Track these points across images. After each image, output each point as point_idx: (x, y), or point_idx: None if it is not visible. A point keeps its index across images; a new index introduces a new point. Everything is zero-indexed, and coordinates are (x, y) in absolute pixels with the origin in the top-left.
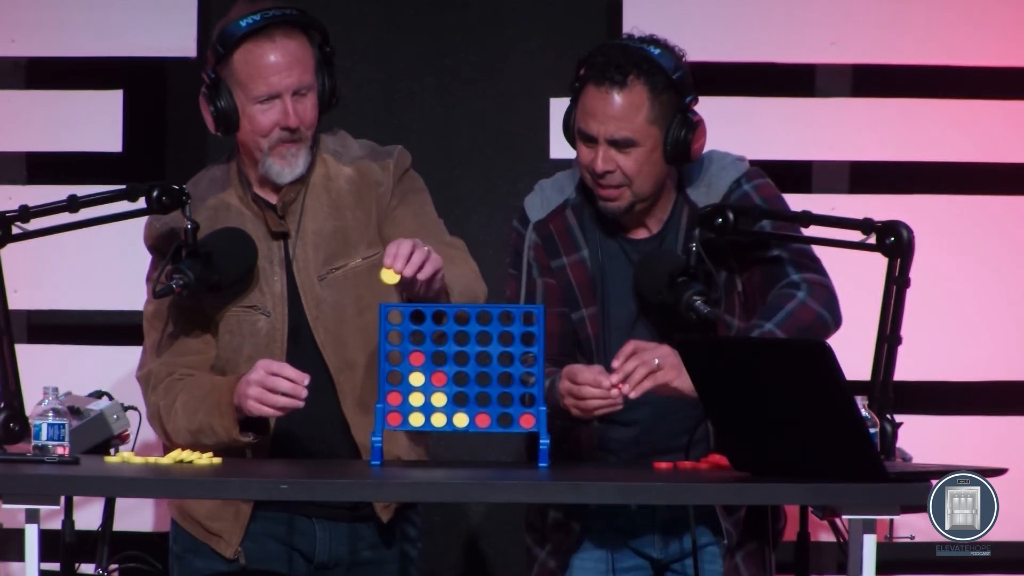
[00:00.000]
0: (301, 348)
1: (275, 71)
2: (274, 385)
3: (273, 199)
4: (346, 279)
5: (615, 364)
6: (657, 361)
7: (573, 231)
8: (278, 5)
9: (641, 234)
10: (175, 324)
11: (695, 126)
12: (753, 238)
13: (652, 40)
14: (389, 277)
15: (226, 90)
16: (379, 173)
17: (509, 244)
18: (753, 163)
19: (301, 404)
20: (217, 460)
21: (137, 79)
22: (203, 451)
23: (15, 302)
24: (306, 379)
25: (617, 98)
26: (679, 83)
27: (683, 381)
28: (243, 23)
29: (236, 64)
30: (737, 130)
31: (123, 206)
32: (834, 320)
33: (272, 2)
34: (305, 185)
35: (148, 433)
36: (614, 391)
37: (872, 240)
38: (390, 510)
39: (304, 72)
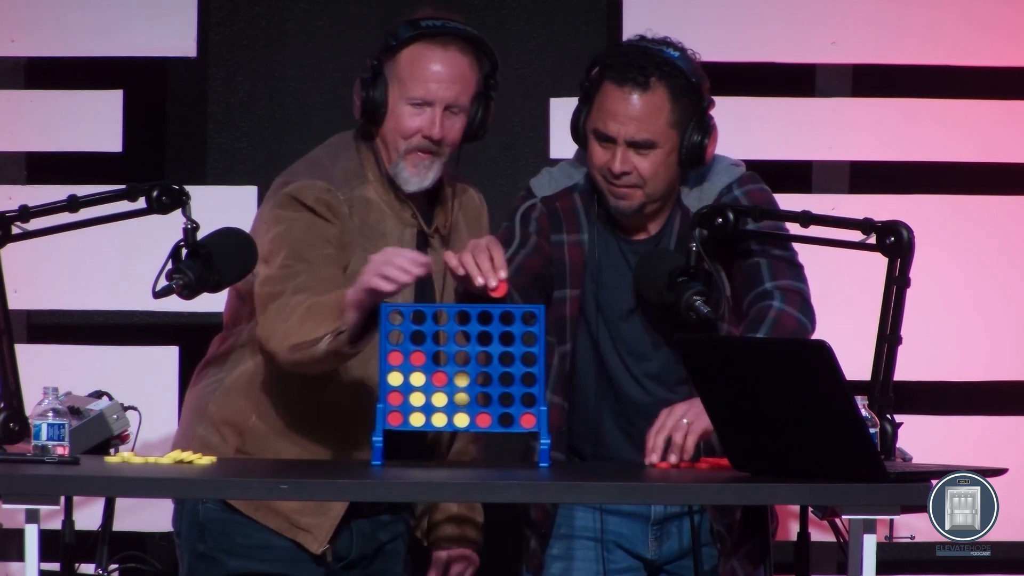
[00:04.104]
0: None
1: (437, 79)
2: (391, 259)
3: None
4: None
5: (651, 446)
6: (686, 420)
7: (578, 213)
8: (462, 21)
9: (640, 236)
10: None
11: (710, 131)
12: (741, 239)
13: (668, 42)
14: None
15: (383, 82)
16: (478, 203)
17: (511, 207)
18: (753, 163)
19: (409, 278)
20: (215, 458)
21: (137, 79)
22: (305, 357)
23: (15, 302)
24: (422, 259)
25: (639, 100)
26: (698, 87)
27: (707, 420)
28: (423, 23)
29: (402, 60)
30: (737, 130)
31: (123, 206)
32: (811, 324)
33: (458, 18)
34: (447, 197)
35: (148, 433)
36: (671, 459)
37: (872, 240)
38: (420, 530)
39: (463, 92)
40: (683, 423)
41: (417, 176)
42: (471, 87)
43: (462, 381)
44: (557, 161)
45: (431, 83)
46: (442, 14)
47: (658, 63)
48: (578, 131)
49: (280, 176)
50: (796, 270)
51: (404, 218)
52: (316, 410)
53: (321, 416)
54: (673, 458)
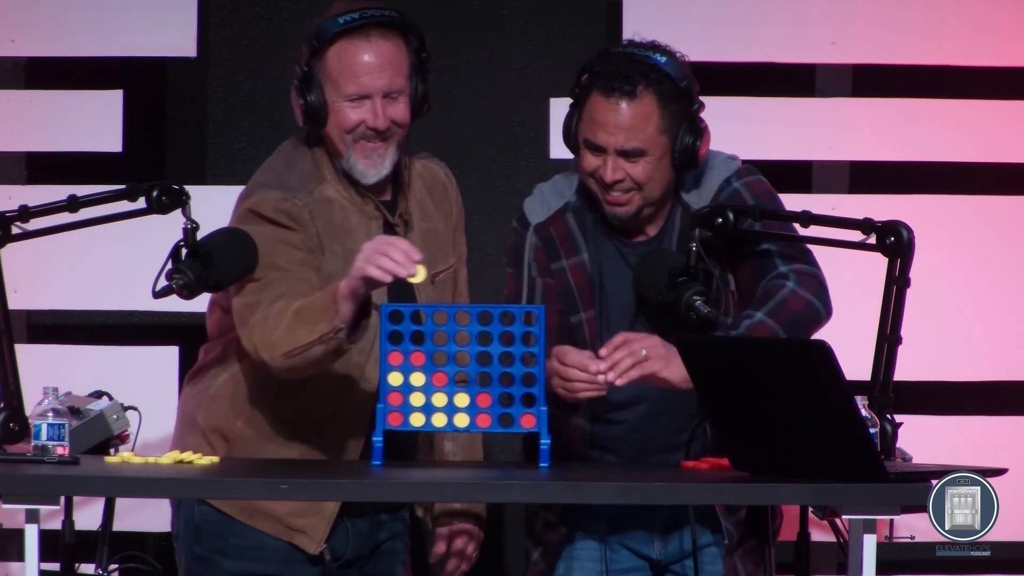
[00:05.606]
0: None
1: (367, 71)
2: (386, 251)
3: (371, 194)
4: (445, 283)
5: (603, 352)
6: (645, 352)
7: (574, 234)
8: (378, 6)
9: (639, 238)
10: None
11: (701, 133)
12: (746, 236)
13: (655, 47)
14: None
15: (317, 85)
16: (444, 178)
17: (508, 244)
18: (753, 163)
19: (405, 272)
20: (216, 459)
21: (137, 79)
22: (301, 363)
23: (15, 302)
24: (415, 253)
25: (627, 109)
26: (687, 91)
27: (672, 371)
28: (341, 20)
29: (330, 60)
30: (737, 130)
31: (123, 206)
32: (825, 309)
33: (372, 2)
34: (405, 182)
35: (148, 433)
36: (600, 377)
37: (872, 240)
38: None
39: (396, 75)
40: (641, 353)
41: (373, 167)
42: (403, 68)
43: (462, 381)
44: (557, 161)
45: (362, 76)
46: (357, 4)
47: (645, 70)
48: (570, 137)
49: (244, 189)
50: (808, 255)
51: (368, 211)
52: (300, 412)
53: (305, 418)
54: (611, 375)
